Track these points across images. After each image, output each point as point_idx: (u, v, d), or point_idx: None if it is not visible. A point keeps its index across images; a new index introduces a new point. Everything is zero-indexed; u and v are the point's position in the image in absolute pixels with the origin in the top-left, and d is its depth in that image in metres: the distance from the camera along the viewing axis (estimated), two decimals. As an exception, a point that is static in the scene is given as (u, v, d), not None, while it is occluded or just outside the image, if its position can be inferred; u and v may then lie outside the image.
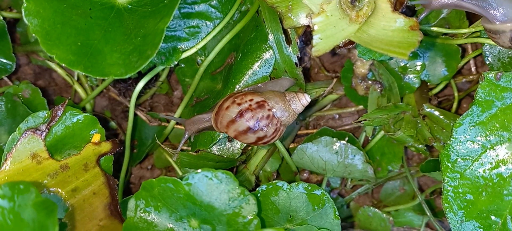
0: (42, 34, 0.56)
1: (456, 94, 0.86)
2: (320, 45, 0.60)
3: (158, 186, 0.60)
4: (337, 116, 0.95)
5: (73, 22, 0.59)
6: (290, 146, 0.93)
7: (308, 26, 0.65)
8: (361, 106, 0.91)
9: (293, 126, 0.92)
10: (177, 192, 0.60)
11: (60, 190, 0.65)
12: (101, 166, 0.68)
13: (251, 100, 0.67)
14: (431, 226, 0.93)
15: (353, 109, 0.93)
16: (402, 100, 0.84)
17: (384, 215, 0.94)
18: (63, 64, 0.55)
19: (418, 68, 0.82)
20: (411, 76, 0.83)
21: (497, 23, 0.63)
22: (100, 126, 0.70)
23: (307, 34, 0.87)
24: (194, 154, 0.74)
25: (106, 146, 0.69)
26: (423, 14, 0.68)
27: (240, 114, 0.66)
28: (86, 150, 0.68)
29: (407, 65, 0.82)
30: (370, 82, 0.85)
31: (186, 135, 0.75)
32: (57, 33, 0.57)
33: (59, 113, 0.66)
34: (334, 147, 0.86)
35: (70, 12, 0.59)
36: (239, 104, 0.66)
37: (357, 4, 0.60)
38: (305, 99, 0.68)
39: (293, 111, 0.68)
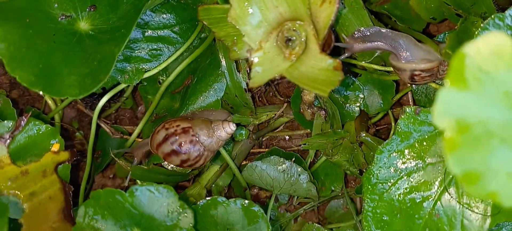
0: (7, 57, 0.63)
1: (393, 124, 0.95)
2: (257, 77, 0.68)
3: (105, 196, 0.67)
4: (287, 137, 1.03)
5: (37, 46, 0.66)
6: (243, 163, 1.00)
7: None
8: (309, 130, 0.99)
9: (247, 145, 1.00)
10: (122, 203, 0.67)
11: (19, 193, 0.72)
12: (59, 173, 0.75)
13: (177, 126, 0.74)
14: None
15: (302, 132, 1.01)
16: (343, 127, 0.92)
17: (326, 231, 1.01)
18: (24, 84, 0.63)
19: (358, 99, 0.90)
20: (351, 106, 0.91)
21: (403, 61, 0.73)
22: (60, 136, 0.77)
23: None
24: (145, 168, 0.81)
25: (64, 155, 0.76)
26: (343, 56, 0.77)
27: (166, 138, 0.73)
28: (45, 158, 0.75)
29: (349, 96, 0.91)
30: (316, 108, 0.93)
31: (135, 160, 0.82)
32: (21, 56, 0.64)
33: (22, 123, 0.73)
34: (282, 166, 0.94)
35: (35, 37, 0.66)
36: (166, 129, 0.74)
37: (291, 44, 0.68)
38: (230, 127, 0.76)
39: (218, 138, 0.76)
